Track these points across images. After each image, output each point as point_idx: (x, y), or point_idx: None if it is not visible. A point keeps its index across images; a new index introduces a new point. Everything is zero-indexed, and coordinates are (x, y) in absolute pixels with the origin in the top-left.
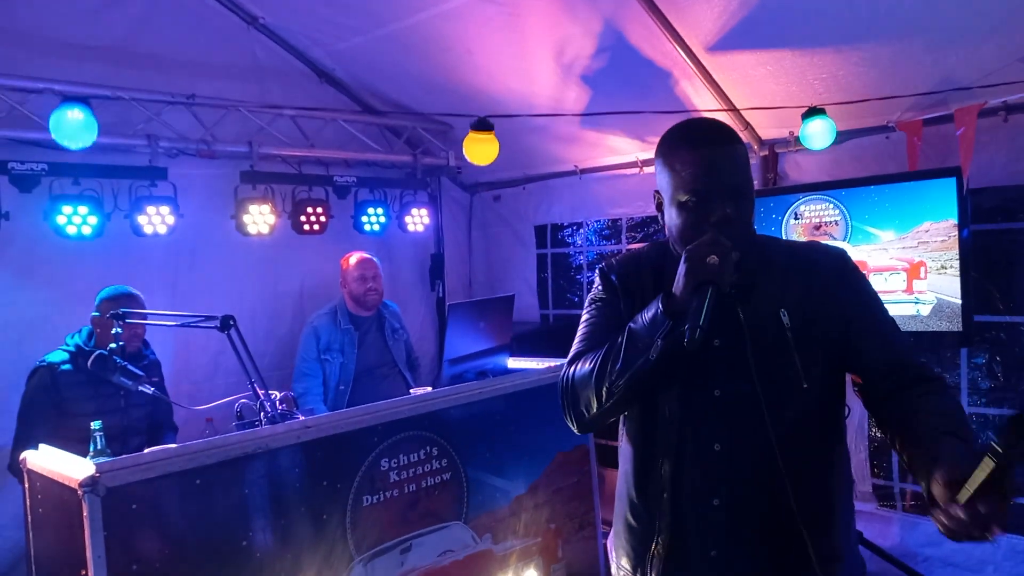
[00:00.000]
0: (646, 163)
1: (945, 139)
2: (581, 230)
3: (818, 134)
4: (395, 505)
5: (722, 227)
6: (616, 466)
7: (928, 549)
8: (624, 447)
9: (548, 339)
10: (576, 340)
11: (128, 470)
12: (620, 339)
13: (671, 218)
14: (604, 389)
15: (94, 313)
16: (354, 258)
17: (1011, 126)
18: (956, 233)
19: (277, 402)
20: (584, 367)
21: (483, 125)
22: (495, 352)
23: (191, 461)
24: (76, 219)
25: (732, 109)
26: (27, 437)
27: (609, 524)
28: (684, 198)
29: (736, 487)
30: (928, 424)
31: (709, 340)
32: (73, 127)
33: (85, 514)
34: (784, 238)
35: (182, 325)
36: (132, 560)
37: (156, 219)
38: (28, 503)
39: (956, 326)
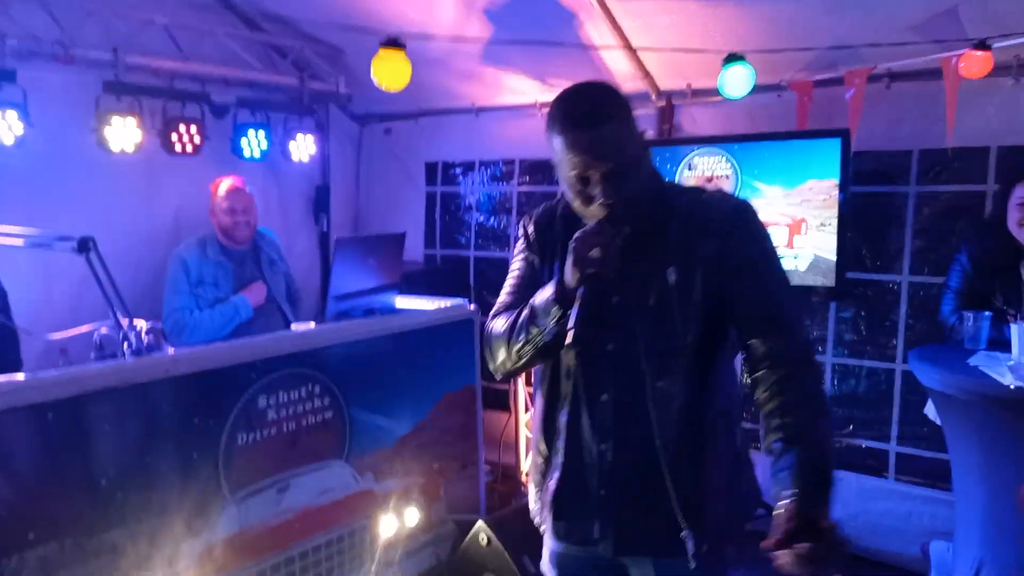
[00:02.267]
0: (544, 105)
1: (833, 101)
2: (473, 170)
3: (737, 81)
4: (273, 444)
5: (606, 207)
6: (500, 408)
7: None
8: (535, 392)
9: (435, 279)
10: (502, 290)
11: None
12: (524, 312)
13: (562, 185)
14: (513, 352)
15: None
16: (223, 187)
17: (893, 93)
18: (837, 193)
19: (143, 333)
20: (498, 328)
21: (394, 43)
22: (383, 290)
23: (44, 393)
24: None
25: (630, 47)
26: None
27: (489, 464)
28: (568, 174)
29: (620, 435)
30: (784, 422)
31: (607, 296)
32: None
33: None
34: (694, 187)
35: (34, 245)
36: None
37: (1, 128)
38: None
39: (829, 281)
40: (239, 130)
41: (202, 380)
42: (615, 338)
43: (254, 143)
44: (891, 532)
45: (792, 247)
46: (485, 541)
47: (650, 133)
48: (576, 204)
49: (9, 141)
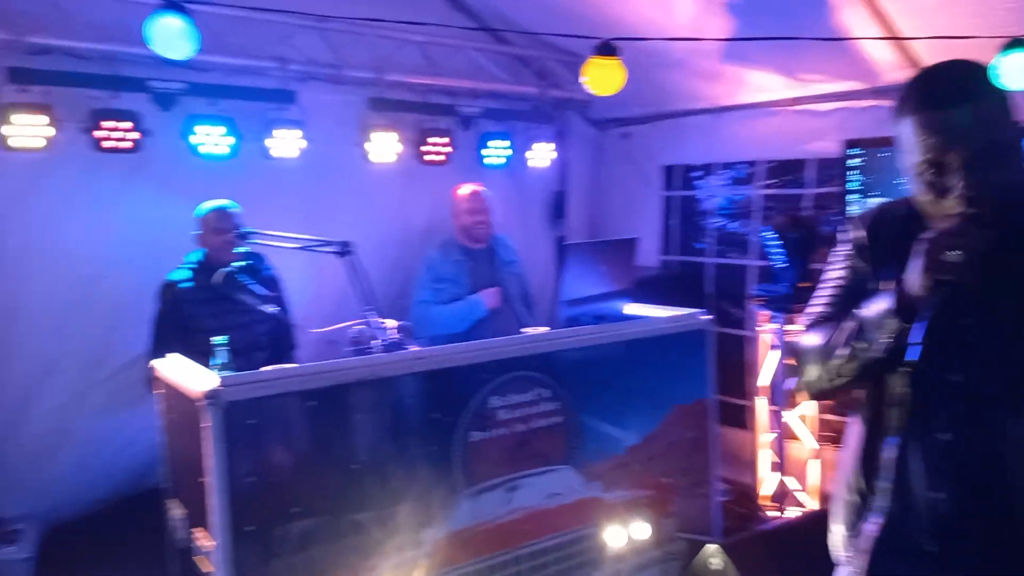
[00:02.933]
0: (793, 101)
1: None
2: (713, 173)
3: (1019, 69)
4: (504, 443)
5: (964, 200)
6: (734, 425)
7: None
8: (852, 418)
9: (669, 286)
10: (817, 295)
11: (248, 386)
12: (848, 324)
13: (911, 181)
14: (830, 368)
15: (196, 231)
16: (464, 190)
17: None
18: None
19: (392, 330)
20: (812, 341)
21: (607, 50)
22: (614, 296)
23: (307, 382)
24: (211, 139)
25: (894, 35)
26: (158, 351)
27: (727, 483)
28: (919, 168)
29: (961, 485)
30: None
31: (959, 313)
32: (169, 35)
33: (207, 424)
34: None
35: (302, 248)
36: (248, 472)
37: (286, 143)
38: (159, 410)
39: None
40: (483, 139)
41: (441, 377)
42: (962, 366)
43: (498, 151)
44: None
45: None
46: (718, 565)
47: None
48: (925, 199)
49: (294, 155)
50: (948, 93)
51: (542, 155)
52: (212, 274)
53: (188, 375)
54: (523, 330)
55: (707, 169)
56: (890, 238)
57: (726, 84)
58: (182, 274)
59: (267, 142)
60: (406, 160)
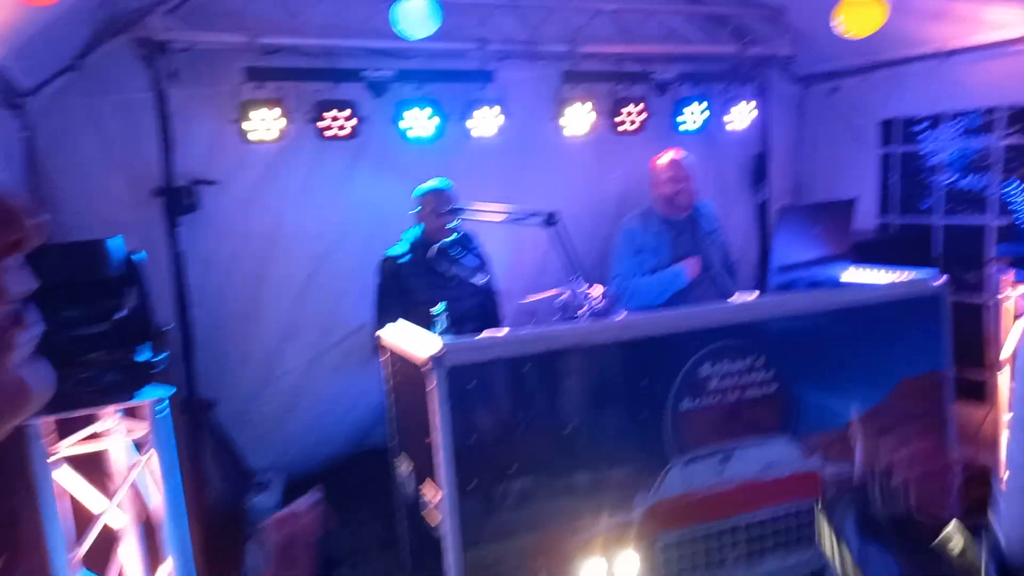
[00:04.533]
0: None
1: None
2: (941, 125)
3: None
4: (716, 413)
5: None
6: (975, 399)
7: None
8: None
9: (890, 249)
10: None
11: (467, 351)
12: None
13: None
14: None
15: (416, 208)
16: (664, 158)
17: None
18: None
19: (598, 298)
20: None
21: None
22: (830, 261)
23: (521, 348)
24: (418, 122)
25: None
26: (381, 320)
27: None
28: None
29: None
30: None
31: None
32: (415, 15)
33: (433, 386)
34: None
35: (510, 221)
36: (471, 432)
37: (485, 121)
38: (385, 374)
39: None
40: (679, 105)
41: (649, 345)
42: None
43: (693, 116)
44: None
45: None
46: (958, 548)
47: None
48: None
49: (492, 133)
50: None
51: (741, 117)
52: (428, 249)
53: (413, 341)
54: (734, 297)
55: (934, 120)
56: None
57: (955, 23)
58: (401, 248)
59: (468, 123)
60: (600, 130)
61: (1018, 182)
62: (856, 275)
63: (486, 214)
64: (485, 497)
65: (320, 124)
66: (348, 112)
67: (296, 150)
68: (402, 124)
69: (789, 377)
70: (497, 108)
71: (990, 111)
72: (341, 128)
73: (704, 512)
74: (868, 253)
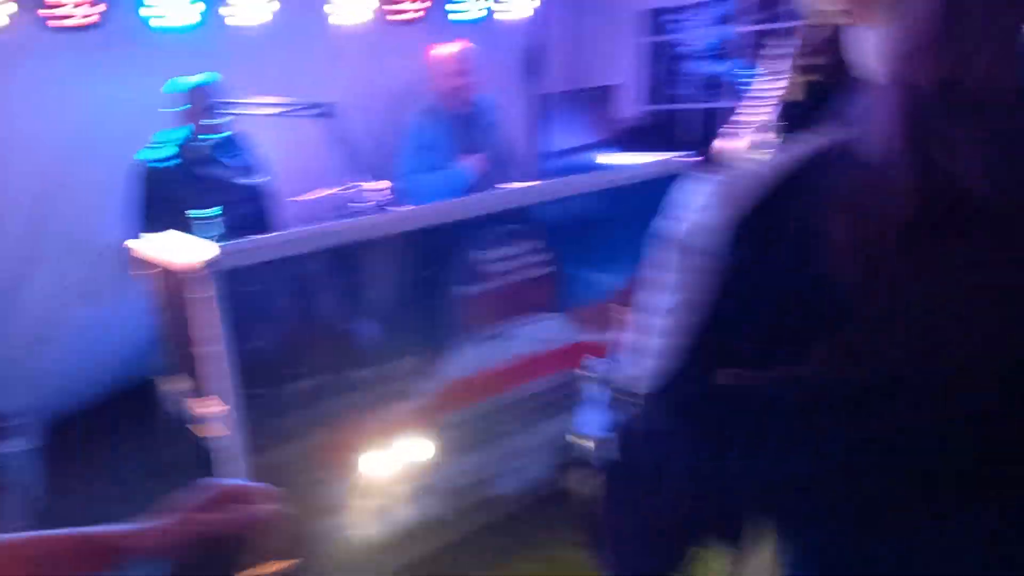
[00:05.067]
0: None
1: None
2: (693, 14)
3: None
4: (495, 295)
5: None
6: None
7: None
8: None
9: (654, 134)
10: None
11: (244, 253)
12: None
13: None
14: None
15: (178, 107)
16: (445, 50)
17: None
18: None
19: (384, 191)
20: None
21: None
22: (595, 147)
23: (301, 246)
24: (173, 9)
25: None
26: (145, 231)
27: None
28: None
29: None
30: None
31: None
32: None
33: (209, 293)
34: None
35: (283, 115)
36: (252, 338)
37: (248, 8)
38: (150, 289)
39: None
40: None
41: (430, 235)
42: None
43: (468, 6)
44: None
45: None
46: None
47: None
48: None
49: (256, 22)
50: None
51: (518, 8)
52: (194, 151)
53: (183, 249)
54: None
55: (688, 10)
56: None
57: None
58: (162, 152)
59: (224, 10)
60: (379, 19)
61: (749, 66)
62: (621, 159)
63: (258, 108)
64: (269, 403)
65: (45, 12)
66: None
67: (21, 42)
68: (144, 12)
69: (560, 258)
70: None
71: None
72: (81, 17)
73: (486, 390)
74: (635, 138)
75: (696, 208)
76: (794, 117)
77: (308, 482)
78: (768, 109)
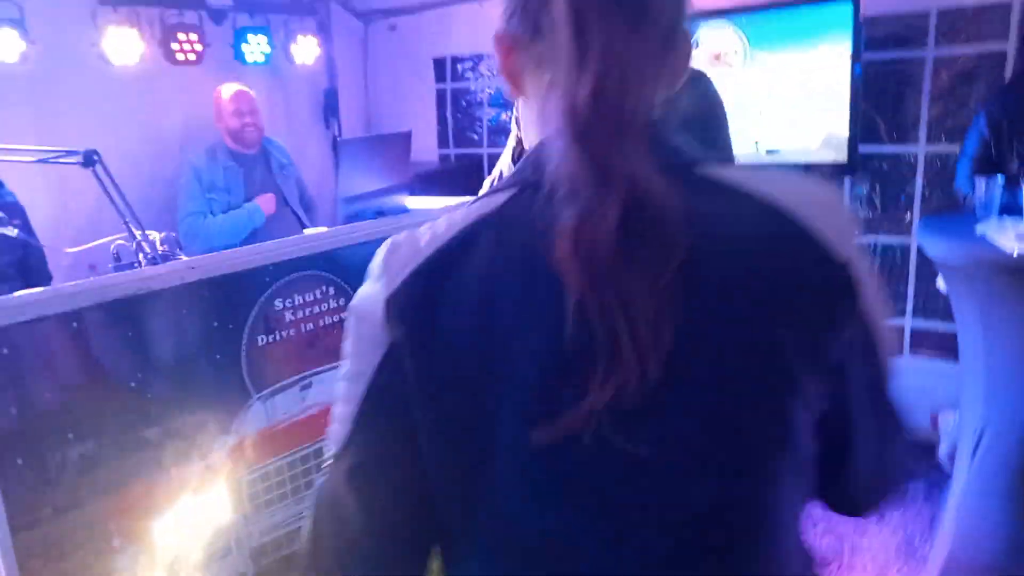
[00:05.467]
0: None
1: None
2: (482, 64)
3: None
4: (293, 344)
5: None
6: None
7: None
8: None
9: (449, 178)
10: None
11: None
12: None
13: None
14: None
15: None
16: (227, 91)
17: None
18: (849, 62)
19: (158, 243)
20: None
21: None
22: (393, 191)
23: (66, 303)
24: None
25: None
26: None
27: None
28: None
29: None
30: None
31: None
32: None
33: None
34: None
35: (40, 161)
36: (10, 404)
37: (2, 45)
38: None
39: (842, 156)
40: (239, 35)
41: (217, 285)
42: None
43: (256, 48)
44: (905, 407)
45: (801, 123)
46: None
47: None
48: None
49: (12, 59)
50: None
51: (307, 51)
52: None
53: None
54: (305, 231)
55: (477, 59)
56: None
57: None
58: None
59: None
60: (152, 61)
61: None
62: (417, 203)
63: (10, 154)
64: (36, 473)
65: None
66: None
67: None
68: None
69: None
70: (15, 31)
71: None
72: None
73: (288, 441)
74: (430, 183)
75: (371, 274)
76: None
77: (93, 552)
78: (502, 164)
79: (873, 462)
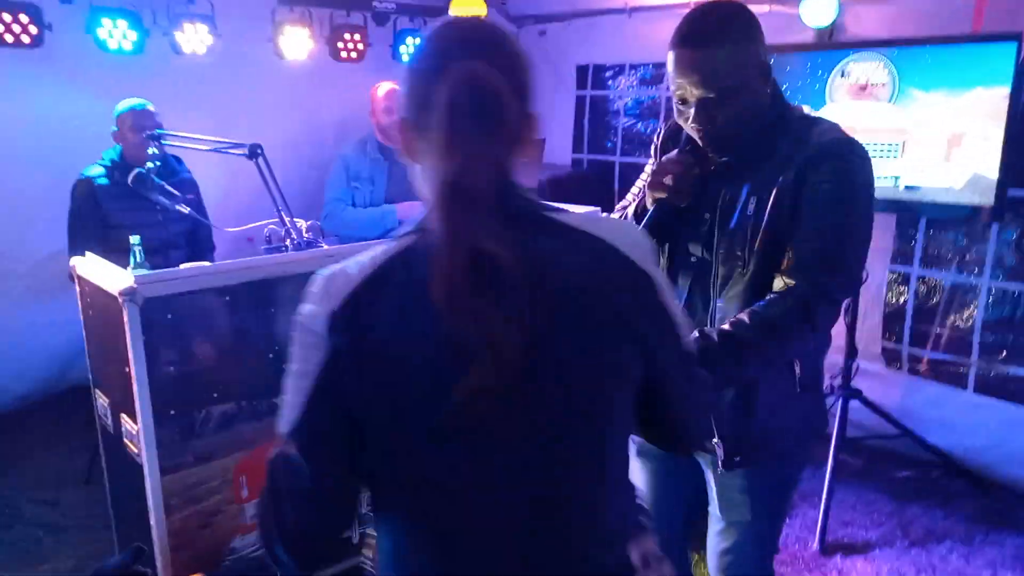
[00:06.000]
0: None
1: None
2: (623, 74)
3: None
4: None
5: (697, 132)
6: None
7: (926, 409)
8: None
9: (580, 183)
10: (634, 188)
11: (164, 283)
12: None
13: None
14: None
15: (113, 128)
16: (382, 89)
17: None
18: (1007, 103)
19: (304, 230)
20: None
21: None
22: None
23: (219, 279)
24: (116, 33)
25: None
26: (77, 247)
27: None
28: (673, 96)
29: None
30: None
31: (701, 212)
32: None
33: (125, 320)
34: (815, 117)
35: (212, 150)
36: (168, 362)
37: (194, 38)
38: (80, 306)
39: (988, 200)
40: (399, 36)
41: None
42: (700, 249)
43: (413, 48)
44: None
45: (949, 161)
46: None
47: (808, 34)
48: (679, 121)
49: (201, 51)
50: (697, 36)
51: None
52: (128, 172)
53: (106, 273)
54: None
55: (618, 69)
56: (664, 152)
57: None
58: (97, 170)
59: (175, 38)
60: (319, 57)
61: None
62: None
63: (187, 141)
64: (184, 425)
65: None
66: (28, 19)
67: None
68: (100, 33)
69: None
70: (205, 27)
71: (660, 65)
72: (21, 34)
73: None
74: (562, 187)
75: (312, 297)
76: None
77: (226, 500)
78: (635, 189)
79: (685, 409)
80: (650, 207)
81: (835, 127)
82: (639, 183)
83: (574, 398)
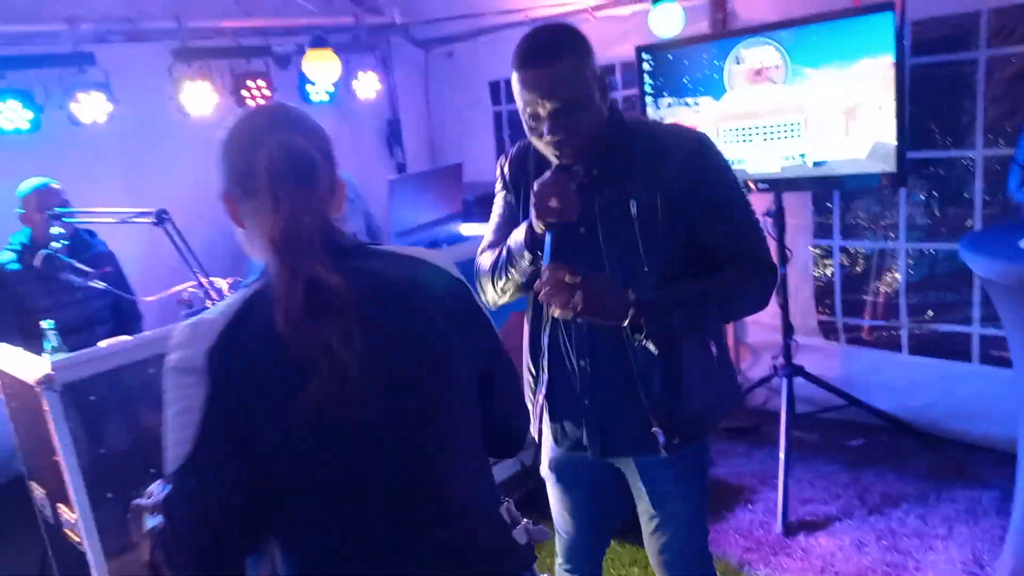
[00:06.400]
0: (597, 8)
1: None
2: None
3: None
4: None
5: (552, 144)
6: None
7: (867, 376)
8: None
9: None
10: (487, 227)
11: (82, 365)
12: (502, 252)
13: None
14: (498, 288)
15: (18, 210)
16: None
17: None
18: (893, 71)
19: (225, 289)
20: (484, 265)
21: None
22: (446, 220)
23: (140, 351)
24: (9, 112)
25: None
26: None
27: None
28: (525, 116)
29: (597, 352)
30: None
31: (576, 228)
32: None
33: (46, 409)
34: (653, 121)
35: (120, 222)
36: (98, 445)
37: (92, 108)
38: (4, 397)
39: (892, 166)
40: (304, 77)
41: None
42: (586, 266)
43: (320, 88)
44: (978, 415)
45: (848, 134)
46: None
47: (703, 25)
48: (533, 141)
49: (102, 120)
50: (538, 54)
51: (369, 86)
52: (34, 255)
53: (21, 364)
54: None
55: None
56: (527, 174)
57: None
58: (8, 256)
59: (72, 108)
60: (226, 108)
61: None
62: (472, 229)
63: (91, 216)
64: (124, 506)
65: None
66: None
67: None
68: None
69: None
70: (102, 95)
71: None
72: None
73: None
74: (489, 206)
75: (180, 344)
76: None
77: None
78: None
79: (509, 403)
80: (543, 233)
81: (680, 126)
82: (494, 219)
83: (419, 388)
